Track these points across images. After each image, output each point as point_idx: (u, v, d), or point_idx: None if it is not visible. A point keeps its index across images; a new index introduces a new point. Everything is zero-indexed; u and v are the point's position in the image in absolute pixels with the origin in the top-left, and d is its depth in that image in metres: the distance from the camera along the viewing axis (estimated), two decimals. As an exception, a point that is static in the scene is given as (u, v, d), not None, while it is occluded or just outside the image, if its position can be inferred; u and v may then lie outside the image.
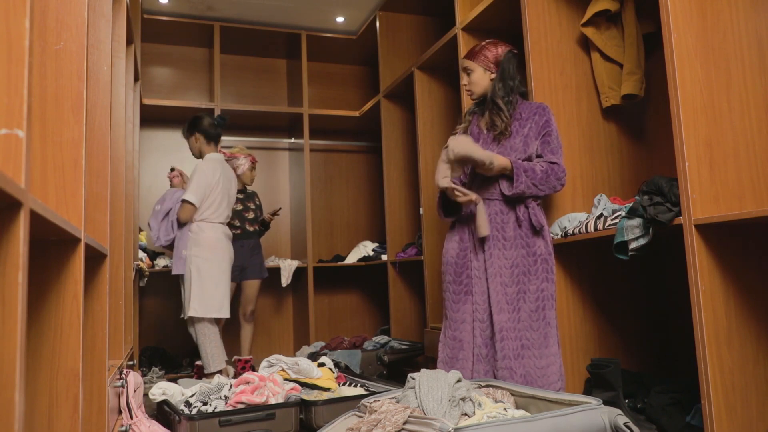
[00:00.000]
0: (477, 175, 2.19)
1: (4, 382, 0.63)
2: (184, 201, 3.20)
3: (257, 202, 4.00)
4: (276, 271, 4.41)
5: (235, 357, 3.68)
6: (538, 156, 2.16)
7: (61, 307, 1.18)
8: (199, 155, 3.43)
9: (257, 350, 4.61)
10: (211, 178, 3.25)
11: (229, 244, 3.35)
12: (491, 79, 2.22)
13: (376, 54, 4.39)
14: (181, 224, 3.27)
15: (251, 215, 3.88)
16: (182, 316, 3.30)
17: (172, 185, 3.55)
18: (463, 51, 3.09)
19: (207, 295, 3.18)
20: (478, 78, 2.22)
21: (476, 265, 2.15)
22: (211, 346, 3.18)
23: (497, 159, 2.06)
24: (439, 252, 3.62)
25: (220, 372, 3.21)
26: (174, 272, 3.28)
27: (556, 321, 2.13)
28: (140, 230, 3.98)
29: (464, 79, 2.27)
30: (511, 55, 2.23)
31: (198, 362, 3.42)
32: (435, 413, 1.62)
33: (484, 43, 2.24)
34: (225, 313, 3.25)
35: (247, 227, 3.84)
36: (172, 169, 3.64)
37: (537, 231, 2.12)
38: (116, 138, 2.37)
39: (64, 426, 1.15)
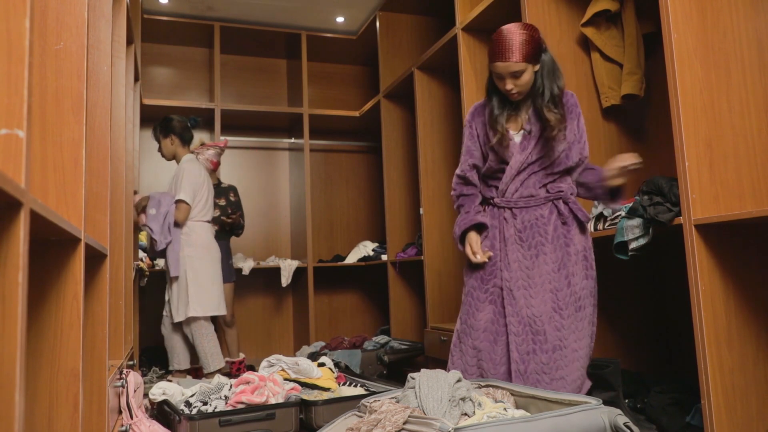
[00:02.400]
0: (518, 177, 1.97)
1: (4, 382, 0.63)
2: (179, 201, 3.21)
3: (231, 198, 3.79)
4: (276, 271, 4.41)
5: (227, 359, 3.68)
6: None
7: (61, 307, 1.18)
8: (172, 157, 3.42)
9: (257, 350, 4.62)
10: (198, 177, 3.30)
11: (216, 243, 3.39)
12: (535, 71, 1.91)
13: (376, 54, 4.39)
14: (178, 225, 3.26)
15: (217, 212, 3.66)
16: (168, 318, 3.27)
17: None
18: (463, 51, 3.09)
19: (205, 294, 3.22)
20: (529, 77, 1.89)
21: (508, 276, 1.95)
22: (209, 345, 3.20)
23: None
24: (439, 252, 3.62)
25: (220, 370, 3.22)
26: (172, 274, 3.26)
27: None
28: (140, 230, 3.98)
29: (509, 84, 1.88)
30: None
31: (195, 365, 3.42)
32: (435, 413, 1.62)
33: (520, 34, 1.85)
34: (223, 310, 3.30)
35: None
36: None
37: (583, 227, 1.96)
38: (116, 138, 2.37)
39: (64, 426, 1.15)
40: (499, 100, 1.98)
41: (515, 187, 1.98)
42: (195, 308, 3.18)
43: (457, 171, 2.11)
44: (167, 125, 3.39)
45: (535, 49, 1.86)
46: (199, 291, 3.20)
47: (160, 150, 3.46)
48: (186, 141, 3.42)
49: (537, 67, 1.90)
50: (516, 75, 1.86)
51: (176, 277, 3.23)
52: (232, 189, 3.87)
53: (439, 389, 1.69)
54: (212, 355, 3.20)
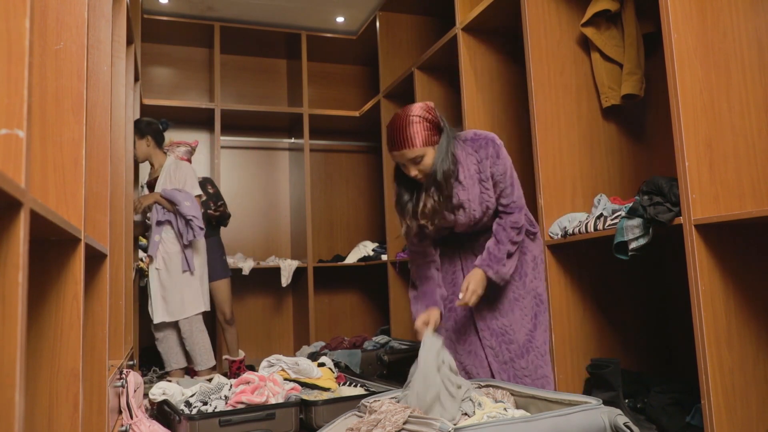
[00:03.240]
0: (458, 235, 2.01)
1: (4, 382, 0.63)
2: (198, 197, 3.29)
3: (210, 191, 3.70)
4: (276, 271, 4.41)
5: (226, 357, 3.67)
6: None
7: (61, 307, 1.18)
8: (146, 159, 3.39)
9: (257, 350, 4.62)
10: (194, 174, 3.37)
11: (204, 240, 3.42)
12: (435, 149, 1.81)
13: (376, 54, 4.39)
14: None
15: (201, 209, 3.57)
16: (157, 319, 3.22)
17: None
18: (463, 51, 3.09)
19: (204, 290, 3.29)
20: (431, 159, 1.80)
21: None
22: (207, 340, 3.25)
23: (482, 284, 1.86)
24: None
25: (213, 368, 3.27)
26: (192, 269, 3.24)
27: None
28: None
29: (413, 171, 1.81)
30: (433, 104, 1.87)
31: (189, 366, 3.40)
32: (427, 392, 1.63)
33: (414, 119, 1.78)
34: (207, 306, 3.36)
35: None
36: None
37: (533, 236, 2.03)
38: (116, 138, 2.37)
39: (64, 426, 1.15)
40: (408, 187, 1.90)
41: (470, 242, 2.02)
42: (206, 303, 3.26)
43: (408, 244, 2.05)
44: (142, 127, 3.36)
45: (430, 131, 1.78)
46: (201, 288, 3.26)
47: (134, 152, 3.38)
48: (159, 143, 3.41)
49: (437, 145, 1.81)
50: (416, 161, 1.79)
51: (186, 272, 3.22)
52: (209, 181, 3.79)
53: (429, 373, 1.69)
54: (209, 351, 3.24)
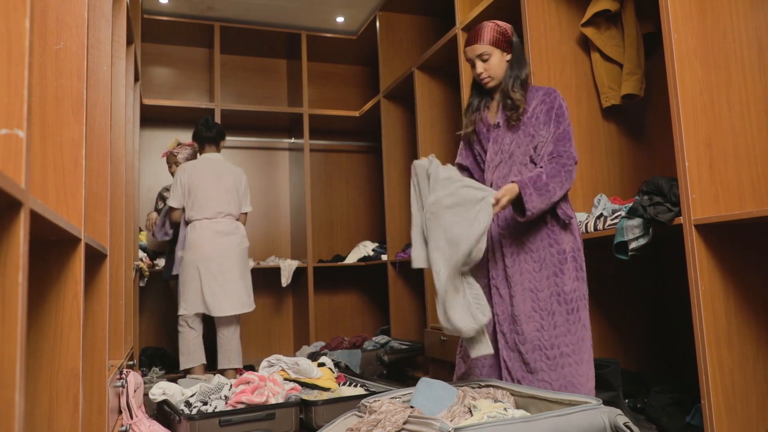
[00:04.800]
0: (497, 171, 1.98)
1: (4, 382, 0.63)
2: (158, 210, 3.54)
3: None
4: (276, 271, 4.41)
5: None
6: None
7: (61, 307, 1.18)
8: None
9: (257, 350, 4.62)
10: (182, 178, 3.35)
11: (218, 240, 3.30)
12: (507, 61, 1.99)
13: (376, 54, 4.39)
14: (173, 224, 3.47)
15: None
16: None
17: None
18: (462, 51, 3.09)
19: (189, 293, 3.25)
20: (498, 61, 1.97)
21: (494, 274, 1.95)
22: (184, 345, 3.28)
23: (503, 196, 1.81)
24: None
25: (188, 371, 3.28)
26: (174, 272, 3.40)
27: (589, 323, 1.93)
28: (140, 230, 3.98)
29: (480, 67, 1.98)
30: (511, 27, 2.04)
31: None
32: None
33: (489, 24, 1.99)
34: (215, 310, 3.23)
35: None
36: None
37: (565, 225, 1.91)
38: (116, 138, 2.37)
39: (64, 426, 1.15)
40: (478, 93, 2.08)
41: (495, 180, 1.97)
42: (179, 307, 3.29)
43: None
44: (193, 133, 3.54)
45: (501, 35, 1.98)
46: (183, 290, 3.28)
47: None
48: (204, 141, 3.45)
49: (508, 57, 2.00)
50: (483, 58, 1.97)
51: (178, 274, 3.37)
52: None
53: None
54: (183, 354, 3.27)
